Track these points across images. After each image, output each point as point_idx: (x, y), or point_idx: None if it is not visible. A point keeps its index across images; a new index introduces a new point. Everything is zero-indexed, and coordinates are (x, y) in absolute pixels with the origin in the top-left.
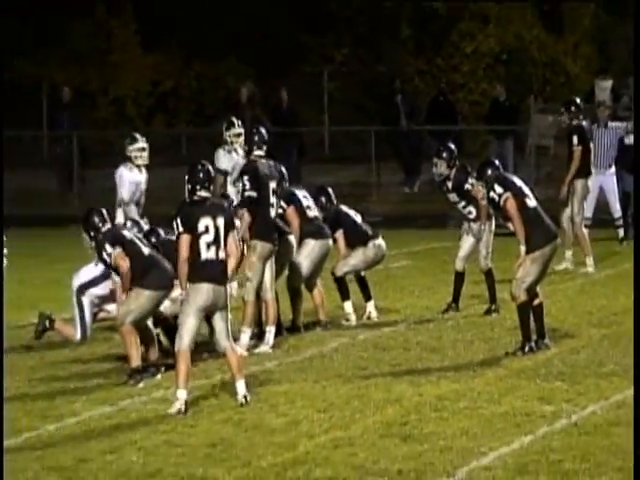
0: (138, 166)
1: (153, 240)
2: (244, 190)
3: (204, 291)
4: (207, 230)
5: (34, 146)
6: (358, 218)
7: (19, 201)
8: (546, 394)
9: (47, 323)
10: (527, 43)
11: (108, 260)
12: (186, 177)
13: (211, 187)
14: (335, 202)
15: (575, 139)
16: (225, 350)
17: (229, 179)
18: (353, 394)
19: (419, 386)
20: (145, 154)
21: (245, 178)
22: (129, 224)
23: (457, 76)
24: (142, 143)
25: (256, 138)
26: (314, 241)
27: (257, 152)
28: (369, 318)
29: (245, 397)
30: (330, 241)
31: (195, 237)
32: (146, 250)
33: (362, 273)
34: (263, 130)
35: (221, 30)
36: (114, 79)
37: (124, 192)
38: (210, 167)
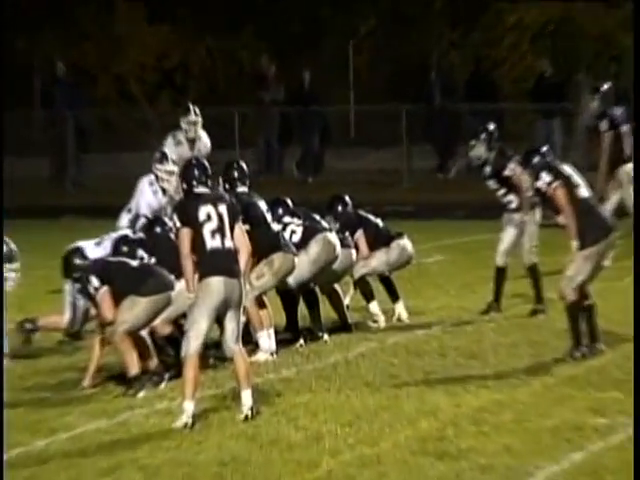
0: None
1: (158, 230)
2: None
3: (214, 286)
4: (209, 217)
5: (25, 128)
6: (379, 221)
7: (7, 191)
8: (600, 405)
9: (29, 325)
10: (576, 13)
11: (93, 294)
12: (179, 175)
13: (208, 182)
14: (351, 208)
15: (604, 125)
16: (234, 355)
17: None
18: (382, 405)
19: (456, 396)
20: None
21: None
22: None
23: (498, 50)
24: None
25: (236, 174)
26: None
27: (241, 189)
28: (399, 320)
29: (251, 409)
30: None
31: (197, 228)
32: (135, 263)
33: (386, 273)
34: (244, 165)
35: (236, 1)
36: (116, 54)
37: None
38: (207, 163)
